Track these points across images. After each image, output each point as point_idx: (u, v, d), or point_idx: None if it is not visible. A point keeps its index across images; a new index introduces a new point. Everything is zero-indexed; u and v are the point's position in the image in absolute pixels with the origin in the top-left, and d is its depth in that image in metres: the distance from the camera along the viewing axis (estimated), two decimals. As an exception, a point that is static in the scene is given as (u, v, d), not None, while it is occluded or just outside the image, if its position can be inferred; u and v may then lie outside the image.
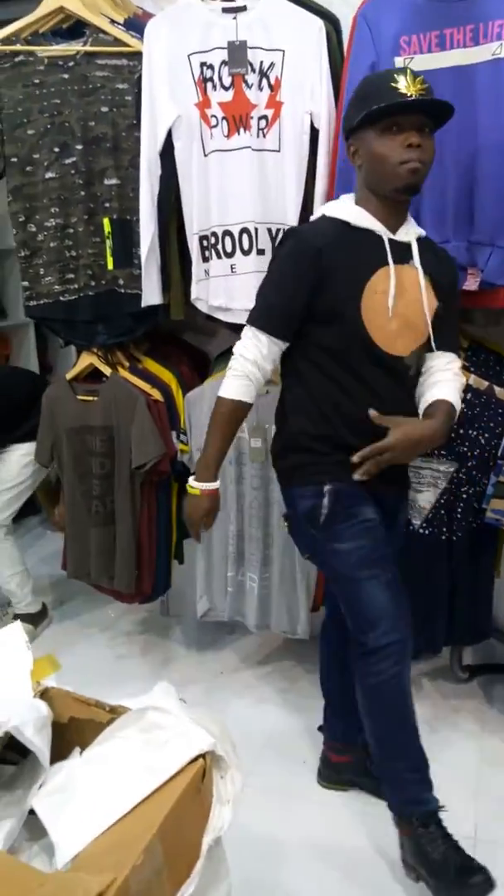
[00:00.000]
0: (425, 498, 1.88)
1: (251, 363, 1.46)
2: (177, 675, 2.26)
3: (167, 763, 1.14)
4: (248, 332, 1.47)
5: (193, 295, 1.91)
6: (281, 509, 1.98)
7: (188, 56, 1.79)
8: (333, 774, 1.77)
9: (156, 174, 1.84)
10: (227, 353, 2.12)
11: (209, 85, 1.80)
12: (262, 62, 1.76)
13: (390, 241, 1.43)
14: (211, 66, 1.79)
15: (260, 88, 1.78)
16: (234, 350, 1.48)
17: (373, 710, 1.45)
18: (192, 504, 1.55)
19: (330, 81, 1.77)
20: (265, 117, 1.79)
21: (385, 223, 1.43)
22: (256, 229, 1.82)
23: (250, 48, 1.76)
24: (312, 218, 1.53)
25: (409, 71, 1.36)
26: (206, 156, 1.82)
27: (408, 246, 1.45)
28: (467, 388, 1.79)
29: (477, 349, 1.94)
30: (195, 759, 1.16)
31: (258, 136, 1.80)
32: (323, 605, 2.12)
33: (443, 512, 1.86)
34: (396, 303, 1.42)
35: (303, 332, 1.46)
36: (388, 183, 1.38)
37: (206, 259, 1.88)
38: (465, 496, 1.84)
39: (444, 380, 1.51)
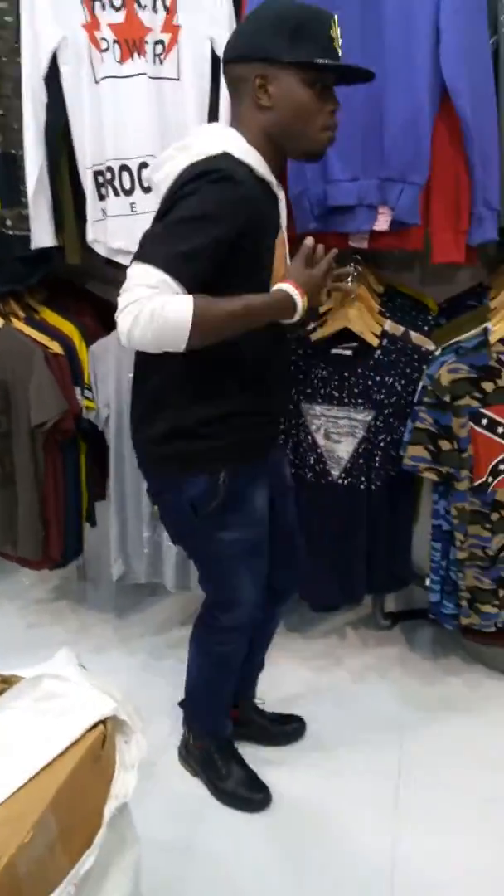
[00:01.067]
0: (343, 448, 1.84)
1: (158, 294, 1.11)
2: (94, 641, 2.18)
3: (64, 732, 1.08)
4: (155, 275, 1.10)
5: (90, 237, 1.78)
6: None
7: (73, -31, 1.62)
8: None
9: (41, 101, 1.68)
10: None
11: (97, 4, 1.65)
12: (155, -20, 1.62)
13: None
14: (99, -17, 1.63)
15: (154, 10, 1.64)
16: (135, 296, 1.10)
17: (205, 670, 1.60)
18: (309, 291, 1.24)
19: (231, 4, 1.65)
20: (161, 42, 1.66)
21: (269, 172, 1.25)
22: (157, 164, 1.69)
23: (142, -36, 1.61)
24: (208, 151, 1.18)
25: (336, 20, 1.22)
26: (97, 82, 1.68)
27: (276, 197, 1.30)
28: (383, 334, 1.74)
29: (391, 294, 1.89)
30: (95, 726, 1.10)
31: (155, 62, 1.66)
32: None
33: (361, 461, 1.83)
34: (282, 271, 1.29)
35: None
36: (304, 143, 1.24)
37: (102, 197, 1.74)
38: (382, 444, 1.81)
39: None
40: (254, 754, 1.70)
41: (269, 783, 1.63)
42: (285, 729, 1.77)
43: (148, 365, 1.34)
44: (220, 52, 1.64)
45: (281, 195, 1.32)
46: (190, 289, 1.12)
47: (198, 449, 1.33)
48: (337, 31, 1.22)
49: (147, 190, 1.71)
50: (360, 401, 1.78)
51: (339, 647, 2.11)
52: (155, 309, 1.09)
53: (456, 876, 1.42)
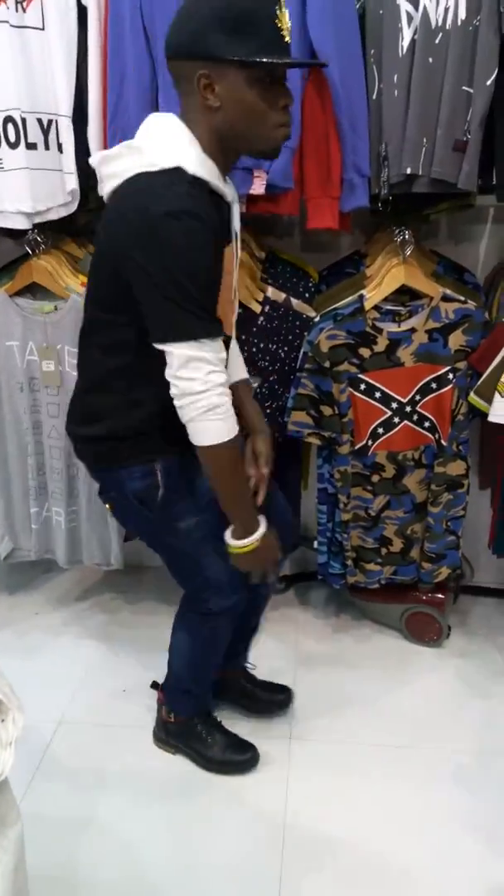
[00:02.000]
0: (232, 415, 1.85)
1: (224, 390, 1.19)
2: (-14, 622, 2.12)
3: None
4: (207, 353, 1.15)
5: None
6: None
7: None
8: None
9: None
10: (10, 266, 1.92)
11: None
12: None
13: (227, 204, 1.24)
14: None
15: (14, -48, 1.53)
16: (200, 385, 1.16)
17: (196, 653, 1.56)
18: (257, 557, 1.33)
19: None
20: (23, -12, 1.55)
21: (222, 180, 1.21)
22: (24, 119, 1.59)
23: None
24: (161, 163, 1.14)
25: (282, 3, 1.12)
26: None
27: (230, 208, 1.27)
28: (265, 301, 1.74)
29: (273, 260, 1.89)
30: (-31, 708, 1.07)
31: (17, 9, 1.55)
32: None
33: (249, 428, 1.84)
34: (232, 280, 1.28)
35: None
36: (258, 143, 1.17)
37: (-35, 154, 1.63)
38: (268, 411, 1.82)
39: (234, 351, 1.47)
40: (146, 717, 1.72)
41: (156, 749, 1.66)
42: (274, 697, 1.75)
43: (83, 368, 1.34)
44: (86, 2, 1.57)
45: (234, 203, 1.27)
46: (220, 331, 1.20)
47: (126, 444, 1.32)
48: (284, 17, 1.12)
49: (13, 146, 1.62)
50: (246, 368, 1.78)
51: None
52: (214, 407, 1.18)
53: (345, 820, 1.49)
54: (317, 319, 1.68)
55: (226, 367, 1.28)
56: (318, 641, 2.02)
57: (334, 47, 1.44)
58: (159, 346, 1.17)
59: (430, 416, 1.73)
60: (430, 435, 1.75)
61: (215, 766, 1.60)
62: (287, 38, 1.13)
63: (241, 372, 1.50)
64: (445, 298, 1.63)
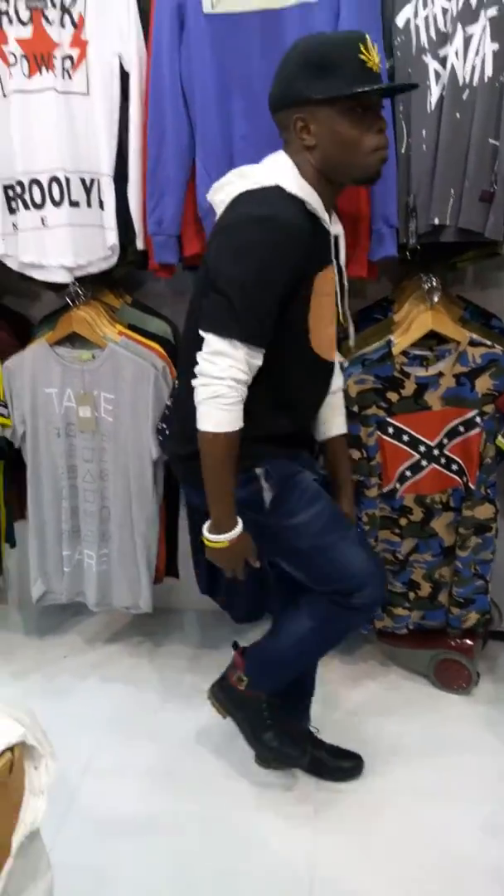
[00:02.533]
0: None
1: (244, 384, 1.26)
2: (16, 665, 2.13)
3: (-32, 758, 1.04)
4: (238, 352, 1.23)
5: (0, 251, 1.75)
6: (118, 480, 1.90)
7: (-24, -16, 1.61)
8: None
9: None
10: (51, 317, 1.99)
11: (4, 19, 1.64)
12: (61, -4, 1.63)
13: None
14: (5, -2, 1.63)
15: (62, 25, 1.64)
16: (218, 371, 1.24)
17: (313, 642, 1.51)
18: (227, 555, 1.36)
19: (139, 22, 1.66)
20: (70, 57, 1.66)
21: (325, 211, 1.30)
22: (68, 179, 1.69)
23: (47, -21, 1.61)
24: (262, 181, 1.25)
25: (367, 38, 1.22)
26: (5, 96, 1.67)
27: (336, 239, 1.34)
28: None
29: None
30: (2, 753, 1.07)
31: (63, 76, 1.66)
32: (169, 576, 2.07)
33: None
34: (328, 306, 1.33)
35: None
36: (355, 171, 1.26)
37: (12, 211, 1.73)
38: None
39: (337, 399, 1.52)
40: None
41: (184, 795, 1.62)
42: (342, 765, 1.67)
43: (187, 389, 1.34)
44: (128, 68, 1.67)
45: (335, 230, 1.34)
46: (266, 340, 1.26)
47: None
48: (369, 51, 1.21)
49: (57, 204, 1.70)
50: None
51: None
52: (221, 395, 1.24)
53: (374, 873, 1.44)
54: (345, 364, 1.71)
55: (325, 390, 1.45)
56: (344, 686, 1.98)
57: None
58: (201, 332, 1.25)
59: (457, 460, 1.74)
60: (457, 478, 1.75)
61: (265, 749, 1.57)
62: (374, 69, 1.22)
63: (337, 427, 1.52)
64: (472, 343, 1.65)
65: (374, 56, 1.22)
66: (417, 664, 1.98)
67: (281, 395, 1.36)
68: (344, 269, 1.38)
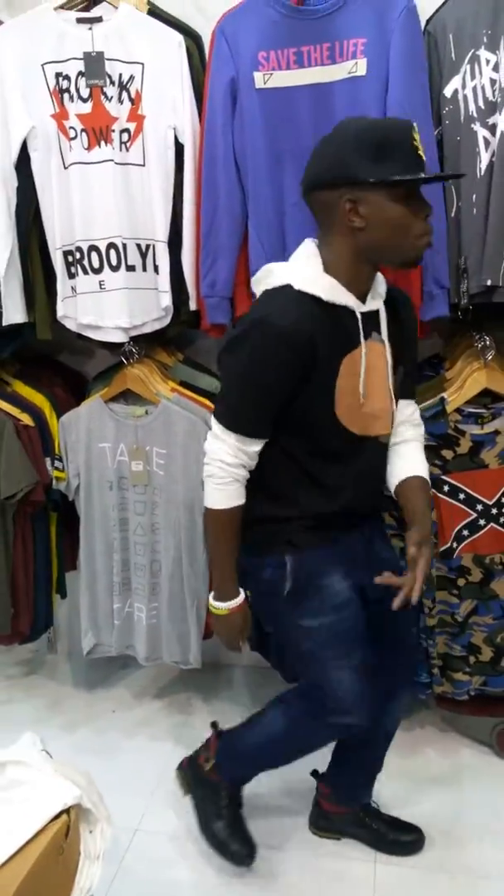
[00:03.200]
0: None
1: (236, 467, 1.31)
2: (64, 718, 2.13)
3: (26, 823, 1.05)
4: (228, 438, 1.29)
5: (60, 313, 1.82)
6: (169, 533, 1.91)
7: (42, 65, 1.71)
8: (325, 823, 1.66)
9: (12, 186, 1.75)
10: (105, 373, 2.05)
11: (66, 96, 1.73)
12: (120, 74, 1.72)
13: (362, 314, 1.29)
14: (67, 77, 1.72)
15: (120, 101, 1.73)
16: (212, 452, 1.31)
17: (281, 743, 1.50)
18: (223, 624, 1.41)
19: (193, 96, 1.74)
20: (127, 130, 1.74)
21: (358, 292, 1.28)
22: (125, 245, 1.75)
23: (108, 60, 1.70)
24: (275, 283, 1.27)
25: (415, 125, 1.23)
26: (66, 168, 1.75)
27: (375, 314, 1.33)
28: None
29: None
30: (59, 815, 1.07)
31: (121, 149, 1.74)
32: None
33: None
34: (367, 382, 1.31)
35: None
36: (402, 255, 1.25)
37: (72, 275, 1.80)
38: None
39: (412, 440, 1.47)
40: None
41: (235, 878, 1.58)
42: (402, 839, 1.61)
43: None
44: (182, 140, 1.74)
45: (372, 307, 1.31)
46: (256, 433, 1.31)
47: (261, 534, 1.38)
48: (418, 139, 1.22)
49: (115, 268, 1.77)
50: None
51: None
52: (213, 475, 1.32)
53: None
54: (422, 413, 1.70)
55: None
56: (400, 755, 1.91)
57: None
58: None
59: (517, 519, 1.70)
60: (517, 537, 1.71)
61: (210, 838, 1.58)
62: (423, 156, 1.22)
63: (409, 471, 1.43)
64: (529, 401, 1.63)
65: (420, 143, 1.23)
66: (479, 732, 1.91)
67: (314, 476, 1.34)
68: (388, 344, 1.35)
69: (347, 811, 1.64)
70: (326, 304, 1.25)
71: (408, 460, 1.44)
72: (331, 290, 1.25)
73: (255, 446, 1.31)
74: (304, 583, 1.35)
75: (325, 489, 1.35)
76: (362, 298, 1.30)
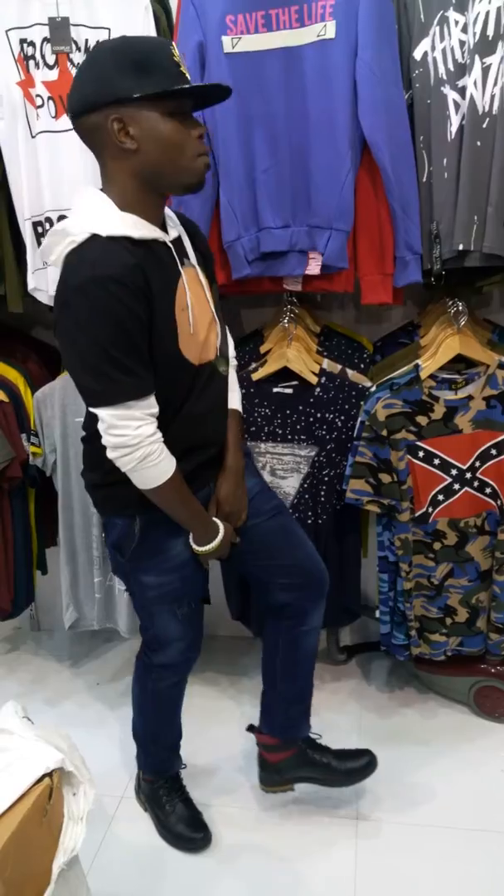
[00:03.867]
0: (289, 484, 1.88)
1: (158, 433, 1.25)
2: (50, 692, 2.14)
3: (8, 787, 1.06)
4: (135, 411, 1.21)
5: (31, 285, 1.80)
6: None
7: (6, 31, 1.67)
8: (275, 777, 1.66)
9: (-22, 156, 1.72)
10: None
11: (31, 63, 1.70)
12: (87, 40, 1.68)
13: (171, 242, 1.25)
14: (32, 44, 1.68)
15: (88, 68, 1.70)
16: (129, 440, 1.21)
17: (145, 707, 1.63)
18: (215, 554, 1.43)
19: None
20: (96, 98, 1.71)
21: (157, 222, 1.24)
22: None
23: (73, 25, 1.66)
24: (77, 237, 1.16)
25: (174, 44, 1.18)
26: (33, 137, 1.72)
27: (179, 241, 1.29)
28: (321, 372, 1.79)
29: (328, 333, 1.95)
30: (41, 779, 1.08)
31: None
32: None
33: (307, 496, 1.86)
34: (193, 312, 1.28)
35: None
36: (181, 177, 1.19)
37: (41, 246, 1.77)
38: (326, 479, 1.85)
39: (232, 383, 1.48)
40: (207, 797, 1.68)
41: (225, 828, 1.61)
42: (353, 765, 1.61)
43: (88, 412, 1.35)
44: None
45: (172, 234, 1.27)
46: (147, 387, 1.22)
47: (114, 494, 1.38)
48: (177, 53, 1.17)
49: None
50: (302, 437, 1.82)
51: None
52: (147, 455, 1.24)
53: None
54: (373, 389, 1.72)
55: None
56: (381, 716, 1.96)
57: (385, 136, 1.53)
58: (91, 410, 1.24)
59: (491, 483, 1.72)
60: (492, 501, 1.74)
61: (168, 836, 1.61)
62: (187, 73, 1.17)
63: (233, 402, 1.47)
64: (502, 366, 1.64)
65: (181, 60, 1.17)
66: (457, 692, 1.95)
67: (169, 415, 1.29)
68: (198, 267, 1.32)
69: (291, 752, 1.62)
70: (139, 242, 1.18)
71: (230, 389, 1.47)
72: (138, 227, 1.19)
73: (153, 400, 1.24)
74: (146, 542, 1.39)
75: (183, 425, 1.32)
76: (163, 228, 1.25)
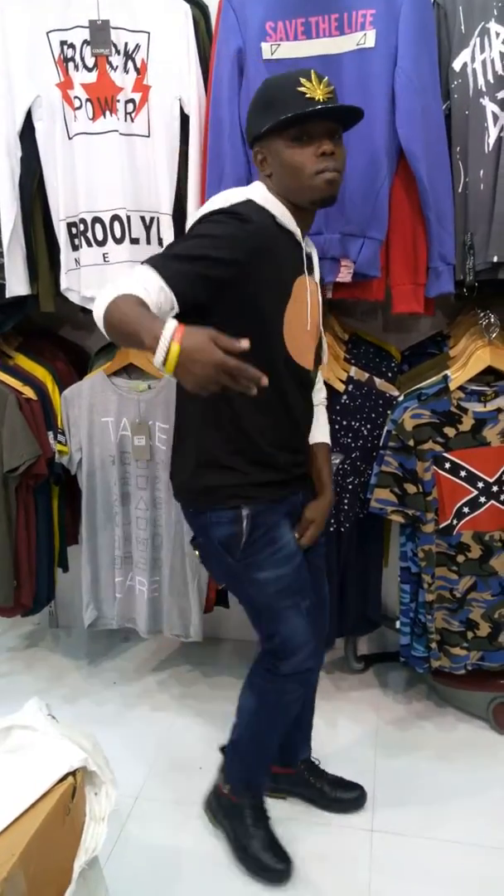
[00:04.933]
0: (313, 490, 1.87)
1: (156, 294, 1.14)
2: (67, 689, 2.15)
3: (33, 784, 1.07)
4: (151, 273, 1.15)
5: (63, 285, 1.82)
6: (170, 508, 1.93)
7: (46, 33, 1.69)
8: (271, 784, 1.66)
9: (15, 155, 1.74)
10: (107, 348, 2.05)
11: (70, 65, 1.72)
12: (126, 43, 1.70)
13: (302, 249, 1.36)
14: (72, 46, 1.70)
15: (126, 71, 1.72)
16: (128, 279, 1.14)
17: (261, 718, 1.51)
18: (186, 360, 0.97)
19: (199, 67, 1.73)
20: (132, 101, 1.73)
21: (299, 229, 1.35)
22: (129, 217, 1.75)
23: (113, 28, 1.69)
24: (233, 199, 1.30)
25: (314, 73, 1.28)
26: (70, 138, 1.74)
27: (309, 256, 1.39)
28: (348, 380, 1.79)
29: (356, 341, 1.95)
30: (65, 777, 1.09)
31: (126, 119, 1.73)
32: (219, 606, 2.08)
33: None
34: (310, 312, 1.36)
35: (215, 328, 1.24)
36: (305, 194, 1.30)
37: (75, 247, 1.79)
38: (350, 487, 1.84)
39: (320, 411, 1.55)
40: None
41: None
42: (343, 796, 1.67)
43: (179, 400, 1.42)
44: (188, 111, 1.73)
45: (307, 246, 1.38)
46: (176, 286, 1.16)
47: (218, 483, 1.36)
48: (313, 82, 1.27)
49: (119, 241, 1.76)
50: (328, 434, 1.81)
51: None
52: (125, 292, 1.10)
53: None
54: (400, 399, 1.71)
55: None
56: (398, 727, 1.95)
57: (422, 146, 1.53)
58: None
59: (516, 496, 1.71)
60: (517, 515, 1.73)
61: (247, 859, 1.53)
62: (317, 97, 1.26)
63: (319, 435, 1.54)
64: (532, 379, 1.64)
65: (316, 88, 1.27)
66: (475, 707, 1.94)
67: (263, 400, 1.20)
68: (318, 286, 1.43)
69: (289, 772, 1.68)
70: (279, 225, 1.31)
71: (319, 424, 1.53)
72: (283, 214, 1.31)
73: (171, 307, 1.16)
74: (257, 535, 1.36)
75: (276, 418, 1.35)
76: (302, 237, 1.36)
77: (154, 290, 1.14)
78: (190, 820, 1.66)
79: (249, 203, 1.29)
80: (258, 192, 1.32)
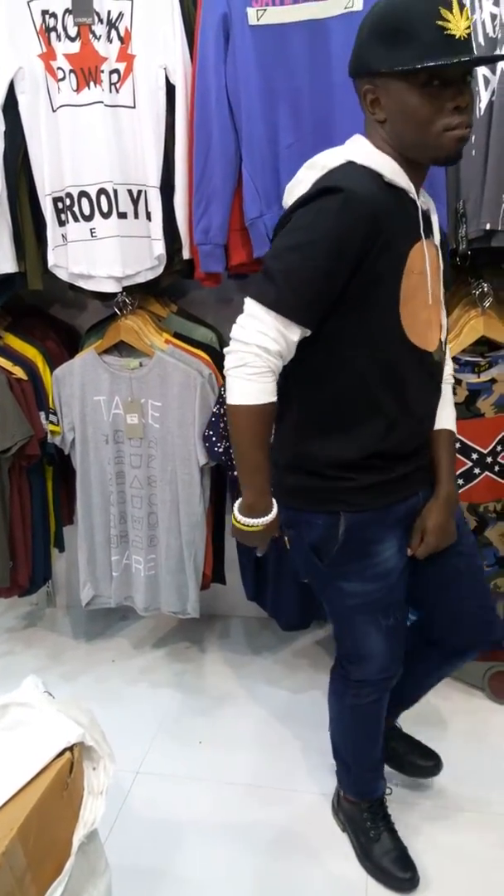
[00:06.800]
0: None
1: (275, 356, 1.11)
2: (66, 668, 2.17)
3: (30, 760, 1.07)
4: (268, 317, 1.10)
5: (51, 262, 1.79)
6: (165, 486, 1.92)
7: (27, 3, 1.65)
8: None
9: (-1, 130, 1.70)
10: (98, 326, 2.03)
11: (53, 35, 1.67)
12: (109, 11, 1.65)
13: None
14: (54, 15, 1.66)
15: (109, 40, 1.67)
16: (246, 336, 1.11)
17: (344, 724, 1.47)
18: (258, 538, 1.23)
19: (184, 34, 1.68)
20: (117, 71, 1.69)
21: (412, 184, 1.15)
22: (116, 190, 1.72)
23: (95, -5, 1.64)
24: (331, 164, 1.14)
25: (454, 0, 1.04)
26: (54, 111, 1.70)
27: (427, 214, 1.19)
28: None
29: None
30: (62, 753, 1.10)
31: (111, 90, 1.69)
32: (216, 582, 2.09)
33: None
34: (430, 282, 1.17)
35: (326, 316, 1.14)
36: (428, 152, 1.11)
37: (62, 223, 1.76)
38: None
39: (446, 397, 1.35)
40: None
41: (239, 807, 1.62)
42: (420, 763, 1.65)
43: (282, 393, 1.20)
44: (174, 81, 1.68)
45: (423, 202, 1.19)
46: (300, 319, 1.11)
47: (317, 485, 1.24)
48: (453, 15, 1.03)
49: (106, 215, 1.73)
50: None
51: (310, 666, 2.12)
52: (246, 363, 1.11)
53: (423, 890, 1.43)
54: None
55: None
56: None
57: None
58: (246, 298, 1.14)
59: (511, 467, 1.71)
60: (512, 486, 1.73)
61: (371, 867, 1.46)
62: (458, 35, 1.04)
63: (442, 421, 1.34)
64: (526, 349, 1.62)
65: (458, 22, 1.03)
66: (471, 676, 1.95)
67: (374, 397, 1.18)
68: (439, 247, 1.24)
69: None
70: (388, 185, 1.12)
71: (444, 405, 1.34)
72: (394, 171, 1.12)
73: (296, 336, 1.12)
74: (352, 546, 1.24)
75: (386, 416, 1.20)
76: (416, 193, 1.17)
77: (277, 350, 1.11)
78: (190, 794, 1.68)
79: (350, 167, 1.11)
80: (360, 150, 1.13)
